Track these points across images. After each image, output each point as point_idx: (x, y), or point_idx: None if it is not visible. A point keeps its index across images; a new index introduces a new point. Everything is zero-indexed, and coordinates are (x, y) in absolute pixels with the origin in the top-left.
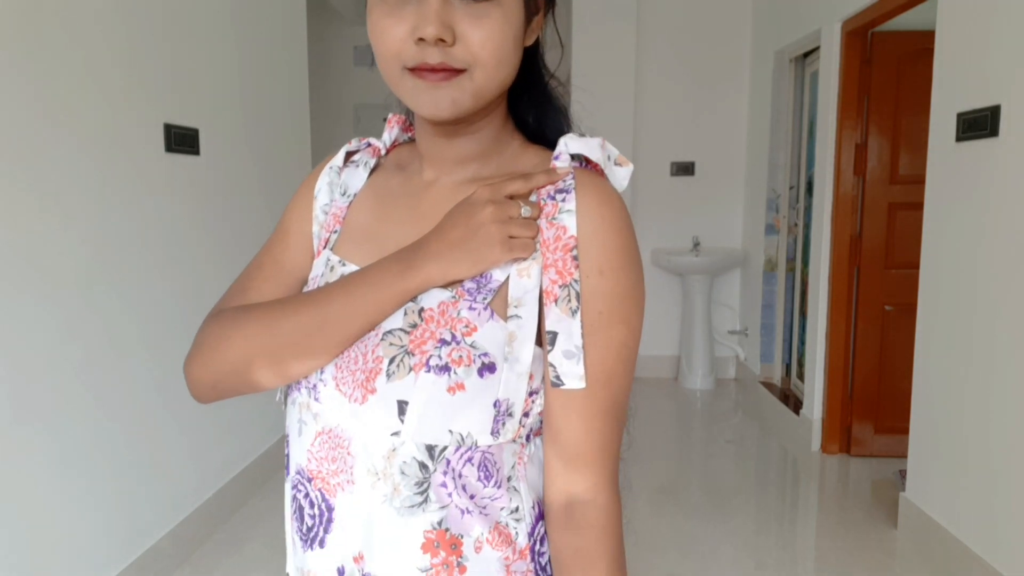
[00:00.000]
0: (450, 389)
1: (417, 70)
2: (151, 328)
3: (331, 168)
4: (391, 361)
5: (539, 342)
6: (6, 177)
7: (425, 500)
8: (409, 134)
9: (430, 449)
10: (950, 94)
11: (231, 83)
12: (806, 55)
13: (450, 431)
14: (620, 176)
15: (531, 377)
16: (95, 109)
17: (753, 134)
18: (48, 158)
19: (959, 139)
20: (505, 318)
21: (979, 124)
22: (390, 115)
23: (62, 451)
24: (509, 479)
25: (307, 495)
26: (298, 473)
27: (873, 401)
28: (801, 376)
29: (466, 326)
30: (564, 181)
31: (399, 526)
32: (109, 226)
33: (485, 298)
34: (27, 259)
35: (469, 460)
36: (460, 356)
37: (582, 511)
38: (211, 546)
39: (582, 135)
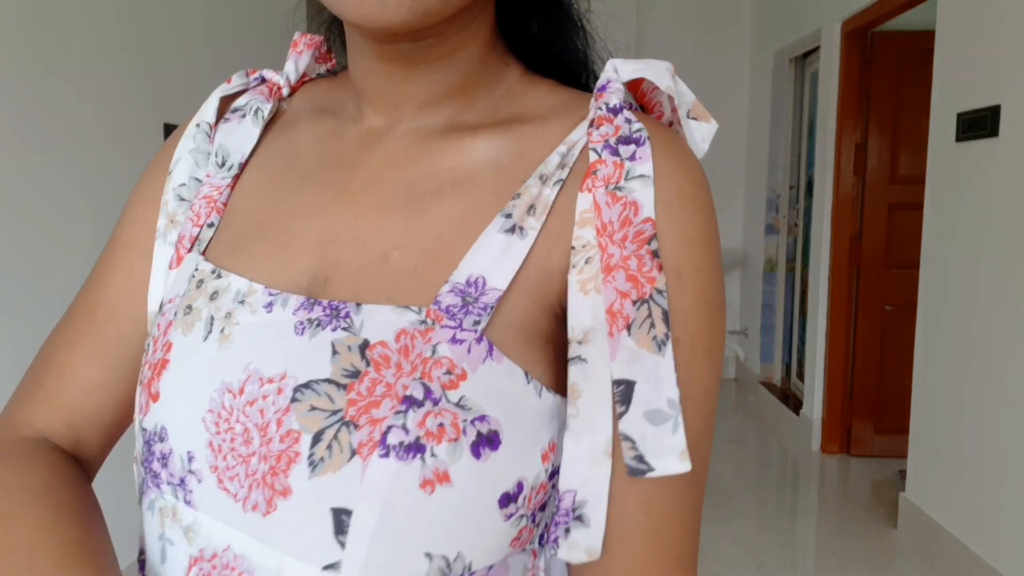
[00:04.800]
0: (425, 484)
1: None
2: None
3: (198, 127)
4: (316, 440)
5: (555, 387)
6: (5, 178)
7: None
8: (328, 65)
9: None
10: (950, 94)
11: None
12: (806, 55)
13: (428, 555)
14: (699, 135)
15: (551, 449)
16: (94, 109)
17: (753, 134)
18: (47, 158)
19: (959, 139)
20: (514, 354)
21: (979, 124)
22: (296, 35)
23: None
24: None
25: None
26: None
27: (873, 401)
28: (801, 376)
29: (448, 371)
30: (630, 124)
31: None
32: (109, 226)
33: (477, 320)
34: (27, 259)
35: None
36: (440, 424)
37: None
38: None
39: None
